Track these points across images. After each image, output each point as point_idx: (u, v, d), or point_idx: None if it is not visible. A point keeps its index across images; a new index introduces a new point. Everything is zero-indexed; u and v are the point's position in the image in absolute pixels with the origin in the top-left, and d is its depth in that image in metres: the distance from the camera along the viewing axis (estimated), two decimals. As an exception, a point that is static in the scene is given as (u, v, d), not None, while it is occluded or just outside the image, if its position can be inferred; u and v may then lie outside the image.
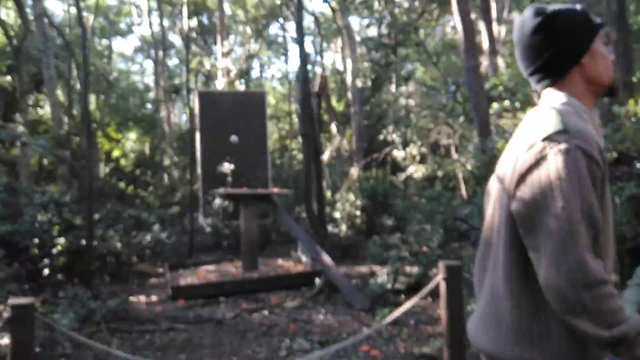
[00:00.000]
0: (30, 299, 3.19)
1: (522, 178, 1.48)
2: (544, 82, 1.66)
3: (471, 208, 6.23)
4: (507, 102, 6.78)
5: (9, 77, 12.33)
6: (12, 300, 3.14)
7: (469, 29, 6.27)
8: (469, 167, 9.62)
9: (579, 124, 1.47)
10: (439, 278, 3.76)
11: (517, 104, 7.01)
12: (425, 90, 12.49)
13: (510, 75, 7.81)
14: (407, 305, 3.89)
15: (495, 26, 12.19)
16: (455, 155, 10.55)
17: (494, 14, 12.65)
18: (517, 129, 1.69)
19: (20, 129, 9.02)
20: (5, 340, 5.34)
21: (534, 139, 1.48)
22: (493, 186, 1.69)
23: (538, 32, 1.61)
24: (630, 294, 2.92)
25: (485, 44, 9.47)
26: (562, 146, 1.41)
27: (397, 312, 3.96)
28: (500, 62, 9.97)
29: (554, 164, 1.41)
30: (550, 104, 1.59)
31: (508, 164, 1.57)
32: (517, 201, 1.49)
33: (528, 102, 7.15)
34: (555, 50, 1.61)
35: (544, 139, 1.45)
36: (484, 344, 1.63)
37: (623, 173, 4.60)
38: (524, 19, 1.67)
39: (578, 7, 1.64)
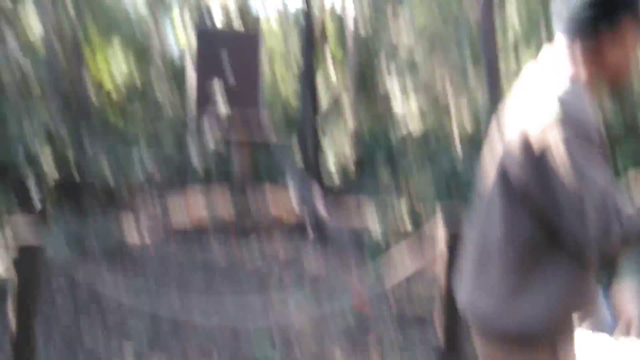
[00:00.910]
0: (39, 242, 3.17)
1: (528, 170, 1.54)
2: (561, 41, 1.63)
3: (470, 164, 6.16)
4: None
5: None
6: (21, 242, 3.12)
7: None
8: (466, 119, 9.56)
9: (577, 108, 1.49)
10: (440, 239, 3.79)
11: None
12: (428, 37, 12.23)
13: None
14: (408, 269, 3.93)
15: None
16: (452, 107, 10.49)
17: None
18: (516, 90, 1.70)
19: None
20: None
21: (534, 129, 1.52)
22: (493, 149, 1.72)
23: None
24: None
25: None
26: (562, 135, 1.46)
27: (399, 275, 4.01)
28: None
29: (557, 153, 1.47)
30: (551, 86, 1.56)
31: (509, 139, 1.60)
32: (531, 190, 1.55)
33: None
34: (580, 10, 1.56)
35: (544, 129, 1.49)
36: (479, 313, 1.68)
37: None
38: None
39: None
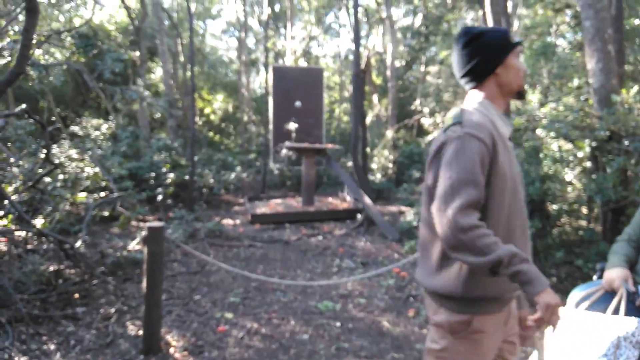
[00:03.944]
0: (161, 223, 3.32)
1: (432, 159, 1.58)
2: (469, 85, 1.68)
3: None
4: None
5: (137, 52, 12.42)
6: (149, 224, 3.28)
7: (498, 24, 5.94)
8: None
9: (475, 117, 1.54)
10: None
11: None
12: (450, 71, 12.03)
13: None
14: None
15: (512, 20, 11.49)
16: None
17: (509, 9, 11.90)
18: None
19: (145, 91, 9.18)
20: (134, 244, 5.62)
21: (442, 130, 1.59)
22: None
23: (465, 47, 1.63)
24: (618, 246, 2.86)
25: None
26: (456, 134, 1.49)
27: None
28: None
29: (449, 146, 1.49)
30: (464, 104, 1.66)
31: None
32: (429, 175, 1.58)
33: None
34: (477, 62, 1.62)
35: (446, 130, 1.55)
36: (418, 276, 1.72)
37: (613, 148, 4.39)
38: (457, 35, 1.68)
39: (500, 28, 1.64)
